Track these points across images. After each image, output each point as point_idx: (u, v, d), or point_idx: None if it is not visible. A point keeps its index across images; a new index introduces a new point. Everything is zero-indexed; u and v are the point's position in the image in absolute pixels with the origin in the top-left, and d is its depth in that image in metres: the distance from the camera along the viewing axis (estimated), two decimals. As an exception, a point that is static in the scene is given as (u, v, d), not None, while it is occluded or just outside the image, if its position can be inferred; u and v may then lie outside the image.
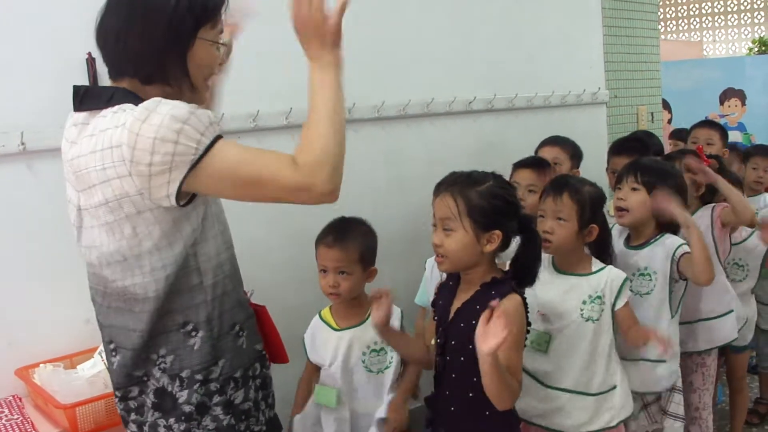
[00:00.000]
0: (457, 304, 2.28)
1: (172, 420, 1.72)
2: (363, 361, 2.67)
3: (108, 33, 1.68)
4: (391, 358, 2.69)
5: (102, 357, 2.51)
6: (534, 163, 3.30)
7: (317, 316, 2.80)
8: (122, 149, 1.52)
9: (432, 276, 3.02)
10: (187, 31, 1.67)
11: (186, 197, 1.61)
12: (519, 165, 3.29)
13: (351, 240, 2.61)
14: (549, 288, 2.62)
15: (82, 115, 1.68)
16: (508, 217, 2.22)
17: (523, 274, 2.27)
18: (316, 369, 2.76)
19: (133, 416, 1.78)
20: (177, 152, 1.51)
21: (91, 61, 2.69)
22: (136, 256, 1.63)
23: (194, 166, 1.52)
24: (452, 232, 2.19)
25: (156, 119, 1.51)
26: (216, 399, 1.74)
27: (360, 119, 3.50)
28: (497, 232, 2.19)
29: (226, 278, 1.77)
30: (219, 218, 1.80)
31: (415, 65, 3.71)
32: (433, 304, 2.43)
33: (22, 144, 2.59)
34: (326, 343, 2.72)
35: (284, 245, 3.25)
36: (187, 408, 1.71)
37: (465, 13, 3.97)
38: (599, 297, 2.61)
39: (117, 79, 1.70)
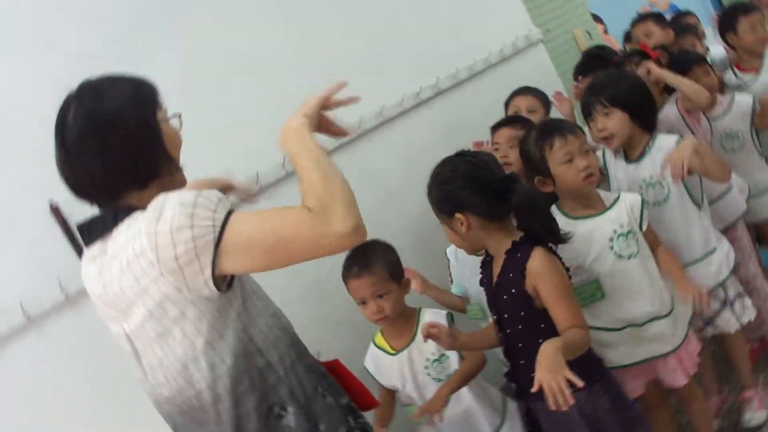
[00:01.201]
0: (495, 278, 2.32)
1: None
2: (429, 374, 2.67)
3: (87, 168, 1.66)
4: (454, 362, 2.69)
5: None
6: (509, 120, 3.30)
7: (372, 344, 2.81)
8: (147, 254, 1.53)
9: (458, 262, 3.04)
10: (155, 123, 1.70)
11: (224, 282, 1.61)
12: (496, 126, 3.29)
13: (375, 262, 2.61)
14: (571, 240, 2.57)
15: (95, 247, 1.69)
16: (466, 195, 2.24)
17: (535, 232, 2.27)
18: (390, 392, 2.77)
19: None
20: (196, 236, 1.51)
21: (55, 210, 2.67)
22: (193, 359, 1.62)
23: (218, 245, 1.53)
24: (444, 227, 2.35)
25: (167, 213, 1.52)
26: None
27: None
28: (458, 215, 2.25)
29: (289, 348, 1.76)
30: (258, 294, 1.79)
31: (357, 79, 3.69)
32: (481, 282, 2.45)
33: (25, 314, 2.57)
34: (390, 368, 2.73)
35: (301, 297, 3.22)
36: None
37: (377, 13, 3.97)
38: (630, 232, 2.60)
39: (113, 201, 1.70)
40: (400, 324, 2.71)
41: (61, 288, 2.63)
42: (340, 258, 2.66)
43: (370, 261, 2.60)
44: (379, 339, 2.79)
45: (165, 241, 1.51)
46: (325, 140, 1.81)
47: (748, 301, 3.03)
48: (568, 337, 2.09)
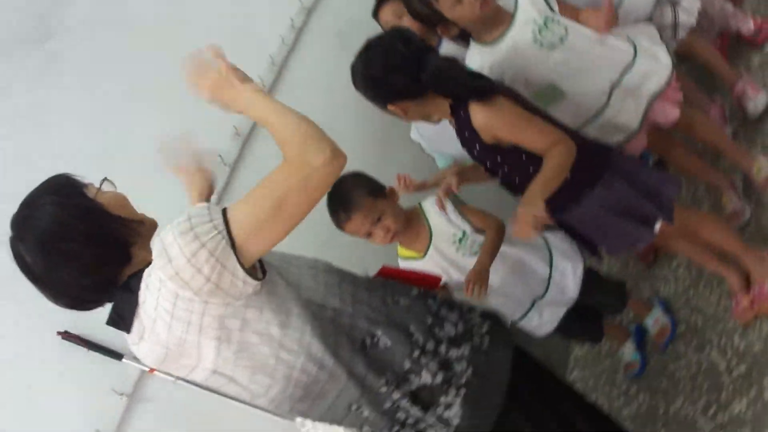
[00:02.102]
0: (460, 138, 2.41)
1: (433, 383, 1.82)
2: (464, 254, 2.74)
3: (73, 284, 1.71)
4: (474, 237, 2.75)
5: None
6: (380, 4, 3.24)
7: (399, 260, 2.87)
8: (181, 294, 1.59)
9: (424, 138, 3.23)
10: (92, 203, 1.74)
11: (257, 270, 1.69)
12: (374, 14, 3.26)
13: (353, 195, 2.63)
14: (497, 66, 2.60)
15: (135, 328, 1.72)
16: (388, 86, 2.31)
17: (462, 96, 2.31)
18: (442, 288, 2.77)
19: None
20: (211, 250, 1.56)
21: (65, 335, 2.78)
22: (280, 346, 1.72)
23: (233, 245, 1.59)
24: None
25: (174, 250, 1.57)
26: (442, 348, 1.84)
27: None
28: (390, 108, 2.34)
29: (341, 284, 1.86)
30: (285, 259, 1.87)
31: (232, 45, 3.52)
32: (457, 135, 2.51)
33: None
34: (427, 270, 2.73)
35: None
36: (435, 377, 1.81)
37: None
38: (546, 19, 2.59)
39: (115, 288, 1.74)
40: (411, 228, 2.77)
41: (118, 393, 2.78)
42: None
43: (349, 198, 2.63)
44: (402, 251, 2.86)
45: (188, 273, 1.56)
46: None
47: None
48: (543, 173, 2.17)
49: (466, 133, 2.32)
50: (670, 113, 2.76)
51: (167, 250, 1.58)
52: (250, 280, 1.63)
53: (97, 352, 2.79)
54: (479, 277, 2.47)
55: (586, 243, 2.66)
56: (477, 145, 2.32)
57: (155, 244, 1.63)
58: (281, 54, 3.70)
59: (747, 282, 2.77)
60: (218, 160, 2.85)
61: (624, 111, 2.68)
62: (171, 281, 1.59)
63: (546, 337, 2.98)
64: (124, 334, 1.76)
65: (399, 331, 1.82)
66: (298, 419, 2.73)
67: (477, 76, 2.37)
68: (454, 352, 1.84)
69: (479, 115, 2.26)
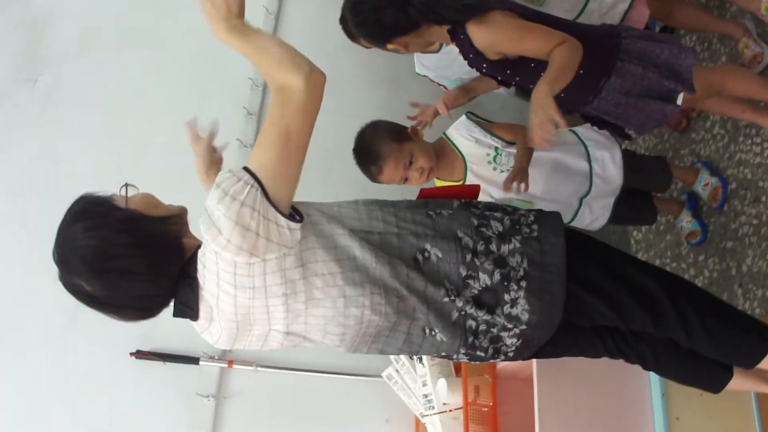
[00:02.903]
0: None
1: (492, 281, 1.82)
2: (501, 171, 2.75)
3: (137, 295, 1.73)
4: (507, 151, 2.76)
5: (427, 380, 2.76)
6: None
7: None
8: (238, 261, 1.63)
9: (430, 69, 3.18)
10: (127, 211, 1.74)
11: (296, 214, 1.71)
12: None
13: (377, 147, 2.63)
14: None
15: (201, 313, 1.76)
16: (383, 26, 2.28)
17: (454, 20, 2.29)
18: None
19: (481, 341, 1.87)
20: (252, 205, 1.60)
21: (138, 353, 2.84)
22: (343, 281, 1.73)
23: (267, 196, 1.62)
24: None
25: (220, 221, 1.59)
26: (493, 246, 1.85)
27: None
28: (390, 46, 2.32)
29: (382, 209, 1.87)
30: (322, 203, 1.87)
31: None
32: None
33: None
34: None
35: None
36: (493, 277, 1.82)
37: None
38: None
39: (173, 282, 1.76)
40: (444, 160, 2.78)
41: (205, 396, 2.84)
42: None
43: (375, 150, 2.63)
44: (441, 184, 2.85)
45: (239, 235, 1.59)
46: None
47: None
48: (550, 71, 2.15)
49: (470, 54, 2.33)
50: None
51: (215, 224, 1.60)
52: (292, 224, 1.66)
53: (174, 362, 2.85)
54: (517, 174, 2.53)
55: (614, 129, 2.65)
56: (484, 63, 2.32)
57: (202, 223, 1.64)
58: (269, 24, 3.69)
59: (784, 122, 2.74)
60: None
61: None
62: (225, 251, 1.61)
63: (601, 229, 2.98)
64: (193, 324, 1.79)
65: (447, 239, 1.83)
66: (384, 373, 2.80)
67: None
68: (505, 247, 1.85)
69: (478, 35, 2.25)
